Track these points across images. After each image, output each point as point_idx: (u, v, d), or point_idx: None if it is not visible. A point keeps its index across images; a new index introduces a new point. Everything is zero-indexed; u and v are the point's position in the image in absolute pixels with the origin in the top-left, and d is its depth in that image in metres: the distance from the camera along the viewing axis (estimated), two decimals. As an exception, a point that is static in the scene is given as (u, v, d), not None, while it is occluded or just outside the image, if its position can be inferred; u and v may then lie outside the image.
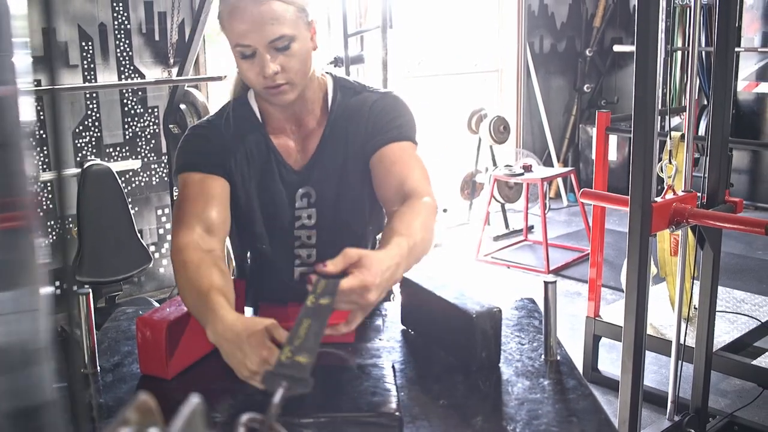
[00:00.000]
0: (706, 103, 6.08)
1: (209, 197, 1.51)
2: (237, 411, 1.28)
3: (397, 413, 1.17)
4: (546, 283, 1.42)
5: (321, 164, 1.62)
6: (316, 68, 1.59)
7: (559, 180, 6.86)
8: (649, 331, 3.37)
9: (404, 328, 1.60)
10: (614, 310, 3.63)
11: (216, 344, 1.27)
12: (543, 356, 1.46)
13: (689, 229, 2.89)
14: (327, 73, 1.66)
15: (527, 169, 5.44)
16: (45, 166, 4.01)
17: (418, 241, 1.34)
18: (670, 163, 2.66)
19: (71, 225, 3.90)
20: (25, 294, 0.38)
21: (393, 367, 1.32)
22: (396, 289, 1.73)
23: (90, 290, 1.42)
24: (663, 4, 3.93)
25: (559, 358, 1.45)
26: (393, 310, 1.68)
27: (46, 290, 0.38)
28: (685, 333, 2.89)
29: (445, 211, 5.96)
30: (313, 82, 1.59)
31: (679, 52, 6.14)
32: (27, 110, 0.37)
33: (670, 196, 2.55)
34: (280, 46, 1.45)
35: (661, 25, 4.61)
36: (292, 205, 1.62)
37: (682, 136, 3.07)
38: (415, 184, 1.48)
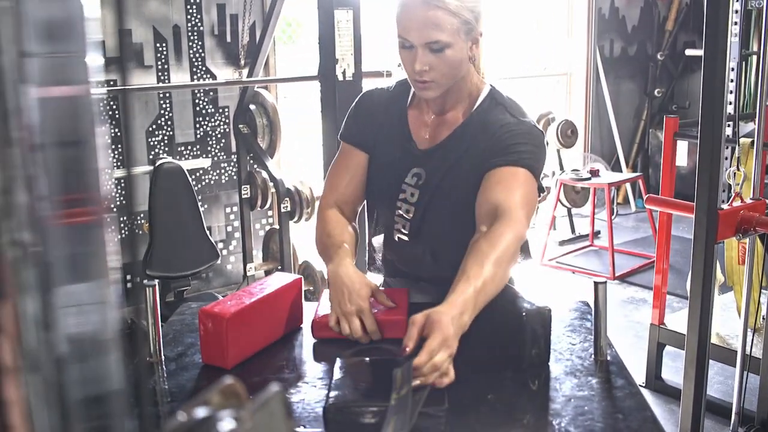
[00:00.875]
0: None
1: (348, 170, 1.80)
2: (294, 401, 1.33)
3: (444, 404, 1.19)
4: (596, 284, 1.43)
5: (441, 155, 1.70)
6: (473, 75, 1.69)
7: (628, 185, 6.75)
8: (716, 340, 3.30)
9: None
10: (679, 318, 3.57)
11: (331, 280, 1.56)
12: (593, 356, 1.46)
13: (758, 237, 2.83)
14: (491, 85, 1.73)
15: (594, 173, 5.38)
16: (119, 164, 4.16)
17: (488, 279, 1.37)
18: (738, 169, 2.61)
19: (143, 221, 4.04)
20: (96, 286, 0.40)
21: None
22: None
23: (156, 283, 1.49)
24: (737, 6, 3.85)
25: (609, 358, 1.45)
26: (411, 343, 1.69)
27: (115, 283, 0.40)
28: (752, 343, 2.83)
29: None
30: (463, 84, 1.68)
31: (755, 57, 5.97)
32: (99, 109, 0.40)
33: (737, 203, 2.50)
34: (434, 48, 1.56)
35: (734, 29, 4.50)
36: (402, 177, 1.73)
37: (752, 143, 3.00)
38: (509, 207, 1.49)
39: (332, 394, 1.24)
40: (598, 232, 5.88)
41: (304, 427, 1.23)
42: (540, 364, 1.41)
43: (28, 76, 0.34)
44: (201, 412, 0.47)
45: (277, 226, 4.28)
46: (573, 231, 5.95)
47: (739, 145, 2.74)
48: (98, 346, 0.38)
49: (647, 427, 1.22)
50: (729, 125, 3.80)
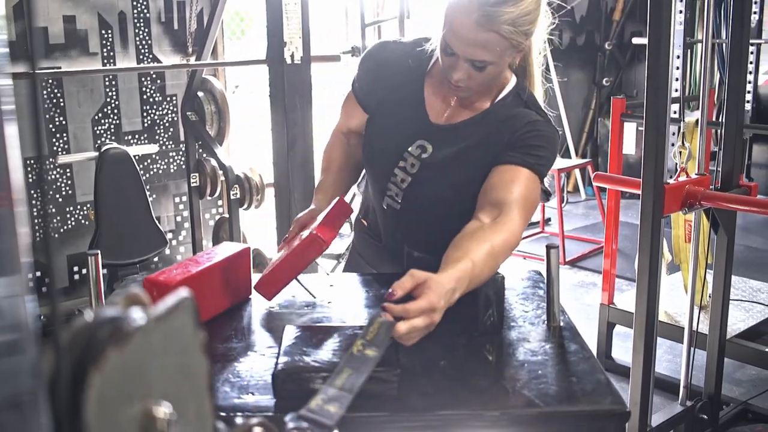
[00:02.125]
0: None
1: (352, 118, 1.82)
2: (242, 370, 1.30)
3: (396, 369, 1.18)
4: (548, 248, 1.43)
5: (453, 135, 1.66)
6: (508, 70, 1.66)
7: (578, 173, 6.83)
8: (664, 318, 3.36)
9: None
10: (628, 298, 3.62)
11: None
12: (545, 322, 1.46)
13: (703, 214, 2.87)
14: (515, 76, 1.69)
15: (544, 160, 5.42)
16: (63, 151, 4.06)
17: (485, 269, 1.36)
18: (683, 145, 2.65)
19: (89, 209, 3.95)
20: (8, 281, 0.38)
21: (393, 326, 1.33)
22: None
23: (98, 252, 1.44)
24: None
25: (562, 324, 1.45)
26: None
27: (28, 277, 0.39)
28: (698, 320, 2.88)
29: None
30: (494, 82, 1.64)
31: (699, 48, 6.08)
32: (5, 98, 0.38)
33: (683, 178, 2.54)
34: (477, 66, 1.53)
35: (678, 17, 4.60)
36: (405, 145, 1.69)
37: (697, 122, 3.05)
38: (513, 210, 1.48)
39: (281, 360, 1.21)
40: (549, 219, 5.94)
41: (253, 394, 1.20)
42: (493, 330, 1.41)
43: None
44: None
45: (227, 215, 4.22)
46: (524, 218, 5.99)
47: (684, 122, 2.78)
48: (10, 344, 0.37)
49: (601, 389, 1.22)
50: (675, 106, 3.88)
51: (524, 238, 5.64)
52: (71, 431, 0.40)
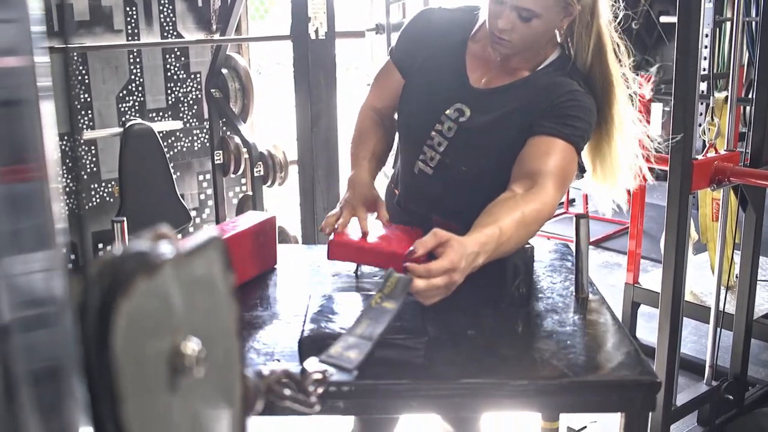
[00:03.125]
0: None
1: (387, 87, 1.79)
2: (268, 337, 1.30)
3: (424, 336, 1.17)
4: (577, 218, 1.41)
5: (493, 100, 1.64)
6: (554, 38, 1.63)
7: (602, 154, 6.76)
8: (690, 298, 3.32)
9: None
10: (653, 278, 3.59)
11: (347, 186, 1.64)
12: (574, 294, 1.45)
13: (731, 192, 2.83)
14: (560, 47, 1.66)
15: (569, 139, 5.37)
16: (87, 128, 4.08)
17: (512, 236, 1.35)
18: (713, 121, 2.61)
19: (114, 185, 3.97)
20: (43, 255, 0.38)
21: (422, 297, 1.32)
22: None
23: (124, 219, 1.45)
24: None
25: (590, 296, 1.44)
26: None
27: (63, 251, 0.38)
28: (725, 300, 2.85)
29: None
30: (538, 48, 1.62)
31: (728, 26, 5.98)
32: (42, 75, 0.37)
33: (711, 154, 2.51)
34: (523, 15, 1.51)
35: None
36: (443, 108, 1.66)
37: (726, 98, 3.01)
38: (547, 181, 1.47)
39: (307, 327, 1.21)
40: (573, 200, 5.89)
41: (279, 361, 1.20)
42: (521, 301, 1.40)
43: None
44: (135, 245, 0.45)
45: (250, 192, 4.23)
46: (547, 198, 5.95)
47: (713, 97, 2.73)
48: (46, 315, 0.36)
49: (630, 360, 1.21)
50: (703, 85, 3.82)
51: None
52: (99, 360, 0.40)
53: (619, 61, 1.64)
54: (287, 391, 0.70)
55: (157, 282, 0.44)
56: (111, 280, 0.41)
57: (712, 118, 2.61)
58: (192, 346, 0.46)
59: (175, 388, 0.46)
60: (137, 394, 0.43)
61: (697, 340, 3.63)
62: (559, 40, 1.65)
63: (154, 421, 0.44)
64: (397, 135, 1.83)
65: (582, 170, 1.64)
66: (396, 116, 1.79)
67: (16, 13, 0.35)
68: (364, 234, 1.56)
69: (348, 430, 1.90)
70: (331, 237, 1.54)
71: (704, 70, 4.11)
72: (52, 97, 0.40)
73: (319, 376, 0.97)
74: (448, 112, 1.65)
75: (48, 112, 0.37)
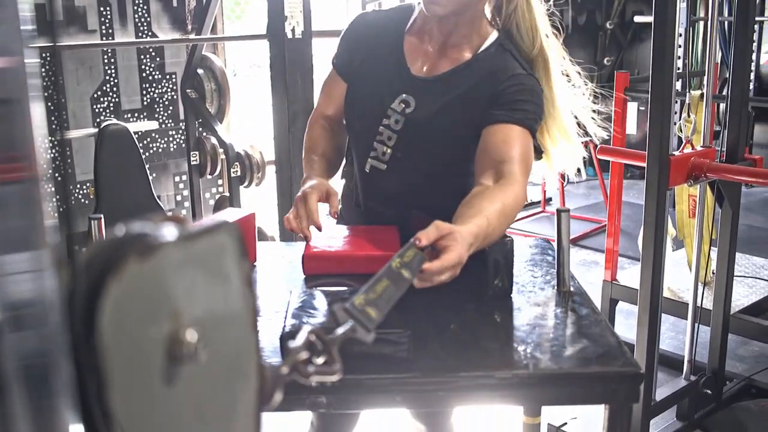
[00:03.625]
0: (727, 76, 6.00)
1: (332, 98, 1.78)
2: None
3: (406, 330, 1.16)
4: (559, 212, 1.41)
5: (438, 88, 1.64)
6: (485, 21, 1.65)
7: (578, 154, 6.80)
8: (667, 294, 3.34)
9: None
10: (631, 275, 3.61)
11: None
12: (555, 288, 1.44)
13: (708, 188, 2.85)
14: (499, 31, 1.67)
15: (545, 139, 5.39)
16: (60, 129, 4.03)
17: (497, 228, 1.36)
18: (689, 117, 2.63)
19: (89, 186, 3.93)
20: (32, 254, 0.38)
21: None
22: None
23: (101, 216, 1.42)
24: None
25: (572, 289, 1.44)
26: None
27: (52, 250, 0.38)
28: (702, 296, 2.86)
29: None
30: (474, 21, 1.62)
31: (701, 25, 6.05)
32: (33, 75, 0.37)
33: (688, 150, 2.52)
34: None
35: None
36: (388, 102, 1.66)
37: (702, 95, 3.03)
38: (514, 169, 1.48)
39: (288, 322, 1.20)
40: (550, 199, 5.92)
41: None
42: (502, 294, 1.39)
43: None
44: (134, 227, 0.43)
45: (227, 194, 4.20)
46: (525, 198, 5.98)
47: (690, 93, 2.75)
48: (36, 314, 0.36)
49: (613, 352, 1.21)
50: (677, 84, 3.85)
51: (525, 217, 5.63)
52: (86, 343, 0.38)
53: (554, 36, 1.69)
54: (311, 368, 0.69)
55: (153, 265, 0.42)
56: (102, 261, 0.40)
57: (688, 114, 2.63)
58: (191, 333, 0.45)
59: (173, 376, 0.44)
60: (127, 381, 0.41)
61: (674, 336, 3.66)
62: (496, 19, 1.67)
63: (146, 410, 0.43)
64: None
65: (538, 152, 1.64)
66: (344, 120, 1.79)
67: (5, 13, 0.35)
68: (337, 242, 1.58)
69: (305, 428, 1.89)
70: (304, 251, 1.55)
71: (678, 69, 4.15)
72: (41, 98, 0.39)
73: (347, 331, 0.95)
74: (393, 105, 1.65)
75: (37, 112, 0.37)
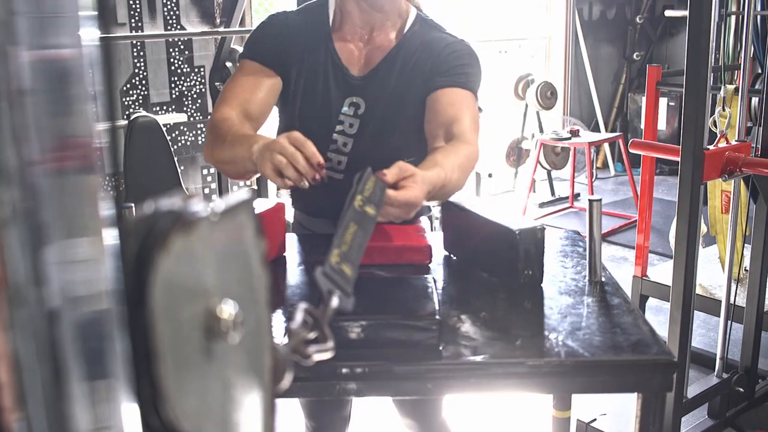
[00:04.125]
0: (760, 71, 5.90)
1: (256, 87, 1.59)
2: (279, 322, 1.27)
3: (437, 317, 1.15)
4: (590, 201, 1.39)
5: (379, 79, 1.63)
6: None
7: (607, 150, 6.74)
8: (699, 291, 3.29)
9: (446, 253, 1.58)
10: (660, 271, 3.56)
11: (259, 158, 1.35)
12: (586, 278, 1.42)
13: (742, 183, 2.81)
14: (414, 7, 1.69)
15: (574, 133, 5.35)
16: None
17: (453, 179, 1.41)
18: (724, 111, 2.58)
19: (117, 177, 3.95)
20: (89, 240, 0.38)
21: (434, 279, 1.30)
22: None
23: (133, 204, 1.42)
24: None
25: (603, 279, 1.42)
26: (435, 235, 1.66)
27: (109, 237, 0.38)
28: (735, 293, 2.82)
29: (490, 176, 5.90)
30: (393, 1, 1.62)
31: (733, 20, 5.95)
32: (90, 64, 0.38)
33: (723, 145, 2.48)
34: None
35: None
36: (338, 108, 1.63)
37: (736, 89, 2.98)
38: (464, 129, 1.52)
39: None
40: (578, 195, 5.87)
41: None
42: (533, 284, 1.38)
43: (18, 36, 0.32)
44: (168, 203, 0.42)
45: (255, 186, 4.21)
46: (553, 193, 5.94)
47: (725, 87, 2.71)
48: (92, 300, 0.36)
49: (647, 340, 1.18)
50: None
51: (553, 213, 5.58)
52: (136, 316, 0.38)
53: None
54: (311, 348, 0.68)
55: (192, 240, 0.42)
56: (147, 235, 0.39)
57: (723, 108, 2.58)
58: (228, 309, 0.44)
59: (211, 352, 0.43)
60: (174, 356, 0.40)
61: (705, 333, 3.61)
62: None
63: (190, 386, 0.42)
64: None
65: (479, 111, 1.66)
66: (260, 125, 1.62)
67: (66, 6, 0.36)
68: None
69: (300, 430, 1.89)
70: None
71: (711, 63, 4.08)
72: (99, 88, 0.40)
73: (333, 304, 0.90)
74: (344, 110, 1.63)
75: (95, 101, 0.38)
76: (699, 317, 3.55)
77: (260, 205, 1.58)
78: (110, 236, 0.38)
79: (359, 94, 1.63)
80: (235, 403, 0.49)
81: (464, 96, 1.57)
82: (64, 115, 0.36)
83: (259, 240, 0.50)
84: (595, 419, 2.70)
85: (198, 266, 0.43)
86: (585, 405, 2.73)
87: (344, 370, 1.12)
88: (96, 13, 0.39)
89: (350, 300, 0.96)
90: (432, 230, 1.86)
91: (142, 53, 4.29)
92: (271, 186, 4.17)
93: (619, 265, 4.53)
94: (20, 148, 0.33)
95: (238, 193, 0.48)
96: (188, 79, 4.48)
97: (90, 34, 0.38)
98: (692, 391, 2.71)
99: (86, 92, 0.38)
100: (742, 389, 2.82)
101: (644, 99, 3.45)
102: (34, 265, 0.33)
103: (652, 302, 3.58)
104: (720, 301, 2.87)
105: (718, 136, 2.52)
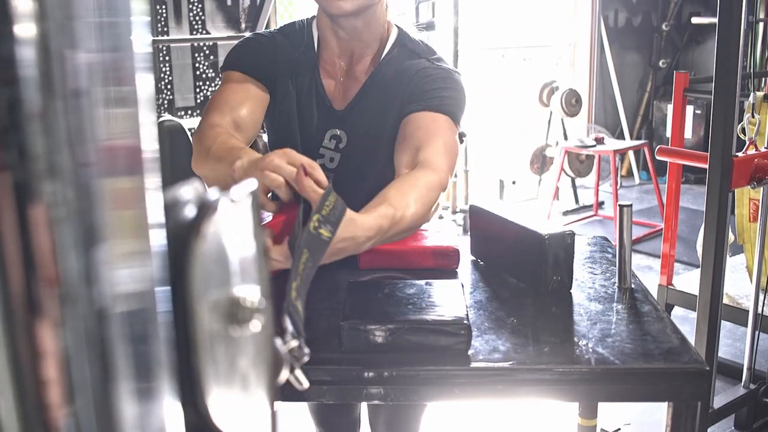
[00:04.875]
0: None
1: (246, 96, 1.52)
2: (307, 330, 1.27)
3: (465, 322, 1.14)
4: (621, 207, 1.37)
5: (358, 112, 1.58)
6: (388, 12, 1.58)
7: (632, 158, 6.69)
8: (726, 300, 3.25)
9: (474, 258, 1.57)
10: (686, 280, 3.52)
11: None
12: (616, 284, 1.41)
13: (771, 191, 2.77)
14: (397, 26, 1.61)
15: (599, 141, 5.32)
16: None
17: (408, 214, 1.27)
18: (753, 117, 2.55)
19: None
20: (138, 240, 0.39)
21: (461, 284, 1.30)
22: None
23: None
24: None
25: (633, 286, 1.40)
26: (462, 240, 1.64)
27: (155, 237, 0.39)
28: (764, 302, 2.78)
29: (513, 183, 5.87)
30: (375, 20, 1.55)
31: (761, 27, 5.90)
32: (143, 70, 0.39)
33: (752, 152, 2.45)
34: None
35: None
36: (319, 140, 1.59)
37: (765, 96, 2.95)
38: (430, 155, 1.39)
39: (346, 313, 1.19)
40: (602, 203, 5.83)
41: (317, 346, 1.18)
42: (561, 289, 1.36)
43: (75, 39, 0.34)
44: (186, 191, 0.42)
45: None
46: (577, 201, 5.90)
47: (754, 94, 2.68)
48: (139, 298, 0.37)
49: (678, 348, 1.17)
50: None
51: (577, 221, 5.55)
52: (174, 303, 0.38)
53: None
54: (306, 350, 0.68)
55: (218, 227, 0.42)
56: (182, 222, 0.39)
57: (753, 114, 2.55)
58: (250, 297, 0.44)
59: (234, 339, 0.43)
60: (209, 342, 0.41)
61: (732, 343, 3.56)
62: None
63: (219, 372, 0.42)
64: None
65: (460, 137, 1.54)
66: (249, 137, 1.54)
67: (119, 11, 0.37)
68: None
69: None
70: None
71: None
72: (151, 90, 0.41)
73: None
74: (325, 143, 1.58)
75: (146, 104, 0.38)
76: (726, 327, 3.50)
77: (287, 208, 1.58)
78: (156, 236, 0.39)
79: (340, 127, 1.58)
80: (248, 392, 0.49)
81: (435, 119, 1.45)
82: (114, 117, 0.37)
83: (261, 229, 0.50)
84: (619, 429, 2.68)
85: (221, 253, 0.44)
86: (609, 414, 2.70)
87: (371, 374, 1.11)
88: (148, 18, 0.40)
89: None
90: (459, 235, 1.85)
91: (167, 58, 4.32)
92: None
93: (645, 273, 4.49)
94: (74, 149, 0.34)
95: (243, 185, 0.48)
96: (213, 84, 4.50)
97: (141, 39, 0.38)
98: (719, 401, 2.68)
99: (136, 94, 0.38)
100: (769, 400, 2.78)
101: (670, 107, 3.42)
102: (86, 265, 0.34)
103: (677, 311, 3.54)
104: (747, 311, 2.83)
105: (747, 143, 2.49)
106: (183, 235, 0.39)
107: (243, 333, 0.45)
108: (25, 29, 0.32)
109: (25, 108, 0.31)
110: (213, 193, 0.44)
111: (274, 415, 0.51)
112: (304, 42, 1.61)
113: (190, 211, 0.41)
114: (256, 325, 0.45)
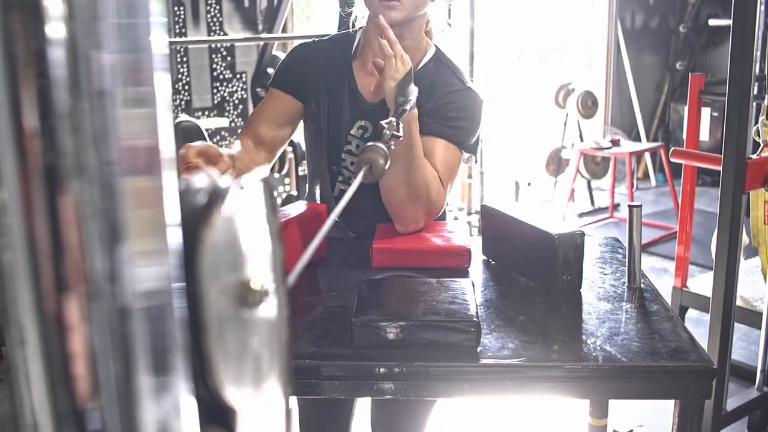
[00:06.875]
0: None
1: (269, 114, 1.74)
2: (318, 321, 1.29)
3: (474, 319, 1.16)
4: (630, 207, 1.39)
5: (388, 109, 1.65)
6: (423, 32, 1.70)
7: (648, 160, 6.68)
8: (740, 303, 3.25)
9: (485, 258, 1.59)
10: (701, 282, 3.52)
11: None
12: (625, 284, 1.42)
13: (786, 193, 2.77)
14: (436, 45, 1.74)
15: (615, 143, 5.31)
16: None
17: (424, 176, 1.55)
18: (767, 119, 2.55)
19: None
20: (157, 240, 0.40)
21: (472, 283, 1.32)
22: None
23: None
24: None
25: (642, 286, 1.41)
26: (473, 239, 1.67)
27: (174, 235, 0.41)
28: (778, 304, 2.78)
29: (529, 185, 5.88)
30: (418, 32, 1.68)
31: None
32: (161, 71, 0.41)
33: (766, 154, 2.45)
34: None
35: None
36: (347, 128, 1.72)
37: (781, 98, 2.94)
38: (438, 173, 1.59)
39: (358, 310, 1.21)
40: (618, 205, 5.82)
41: (329, 343, 1.20)
42: (571, 289, 1.38)
43: (100, 40, 0.35)
44: (197, 178, 0.44)
45: (294, 192, 4.24)
46: (592, 203, 5.89)
47: (767, 95, 2.68)
48: (162, 296, 0.39)
49: (686, 347, 1.18)
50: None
51: (593, 223, 5.54)
52: (186, 293, 0.40)
53: None
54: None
55: (227, 214, 0.44)
56: (192, 209, 0.41)
57: (767, 117, 2.55)
58: (259, 282, 0.46)
59: (244, 323, 0.45)
60: (218, 326, 0.43)
61: (746, 346, 3.56)
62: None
63: (230, 357, 0.44)
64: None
65: (473, 150, 1.71)
66: (273, 148, 1.76)
67: (139, 14, 0.39)
68: (404, 236, 1.60)
69: None
70: (372, 244, 1.57)
71: (756, 72, 4.03)
72: (168, 91, 0.43)
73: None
74: (352, 132, 1.71)
75: (164, 111, 0.41)
76: (740, 329, 3.50)
77: (302, 208, 1.61)
78: (173, 234, 0.41)
79: (369, 119, 1.71)
80: (261, 373, 0.50)
81: (446, 149, 1.64)
82: (133, 117, 0.39)
83: (274, 216, 0.52)
84: (631, 430, 2.68)
85: (230, 240, 0.45)
86: (621, 415, 2.71)
87: (382, 370, 1.13)
88: (165, 19, 0.42)
89: None
90: (471, 235, 1.87)
91: (185, 59, 4.36)
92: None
93: (659, 276, 4.48)
94: (99, 148, 0.35)
95: (256, 172, 0.50)
96: (230, 85, 4.54)
97: (160, 39, 0.40)
98: (732, 403, 2.67)
99: (155, 95, 0.40)
100: (783, 403, 2.78)
101: (686, 109, 3.41)
102: (110, 262, 0.35)
103: (692, 313, 3.54)
104: (761, 314, 2.83)
105: (762, 145, 2.49)
106: (193, 221, 0.41)
107: (253, 316, 0.47)
108: (55, 30, 0.33)
109: (55, 107, 0.33)
110: (224, 180, 0.46)
111: (287, 396, 0.53)
112: (344, 45, 1.76)
113: (201, 198, 0.43)
114: (266, 308, 0.47)
